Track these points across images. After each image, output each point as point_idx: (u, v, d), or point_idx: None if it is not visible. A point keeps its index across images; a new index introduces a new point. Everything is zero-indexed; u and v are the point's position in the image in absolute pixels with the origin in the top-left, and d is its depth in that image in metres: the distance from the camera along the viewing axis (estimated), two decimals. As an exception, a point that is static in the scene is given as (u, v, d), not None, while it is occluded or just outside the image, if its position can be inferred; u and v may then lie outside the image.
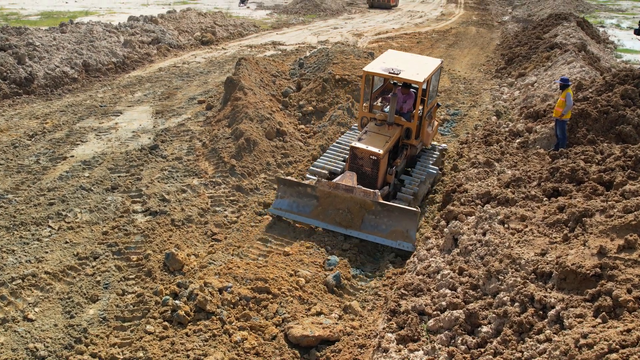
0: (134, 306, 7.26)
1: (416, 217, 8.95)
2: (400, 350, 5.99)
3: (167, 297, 7.20)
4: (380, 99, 11.67)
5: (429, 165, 11.19)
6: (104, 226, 9.06)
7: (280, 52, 23.01)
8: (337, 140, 11.87)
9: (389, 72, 10.27)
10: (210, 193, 10.41)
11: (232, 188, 10.62)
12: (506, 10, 42.25)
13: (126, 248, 8.53)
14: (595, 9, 42.62)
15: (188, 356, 6.33)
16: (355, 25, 31.89)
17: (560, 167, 8.83)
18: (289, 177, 10.39)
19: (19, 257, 8.03)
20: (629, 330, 4.58)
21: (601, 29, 31.18)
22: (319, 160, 10.99)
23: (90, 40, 19.52)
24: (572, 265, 5.71)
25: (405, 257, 8.77)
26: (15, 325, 6.78)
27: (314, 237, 9.14)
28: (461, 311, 6.14)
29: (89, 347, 6.54)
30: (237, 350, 6.50)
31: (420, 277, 7.32)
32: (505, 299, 5.97)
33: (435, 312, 6.43)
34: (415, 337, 6.14)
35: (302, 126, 13.93)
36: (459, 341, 5.83)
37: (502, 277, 6.27)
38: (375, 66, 10.62)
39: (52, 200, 9.64)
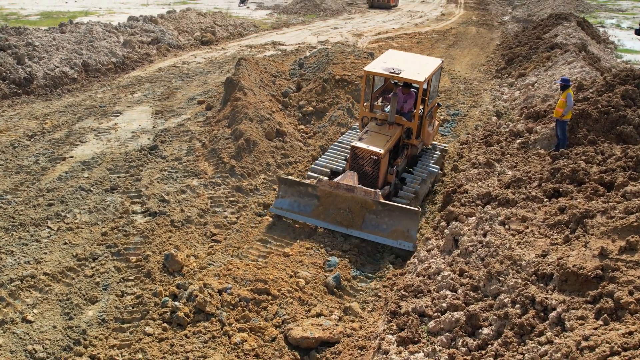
0: (133, 307, 7.23)
1: (417, 216, 8.93)
2: (400, 352, 5.96)
3: (167, 298, 7.17)
4: (381, 99, 11.67)
5: (430, 164, 11.19)
6: (103, 227, 9.03)
7: (280, 52, 22.98)
8: (339, 140, 11.87)
9: (390, 72, 10.27)
10: (210, 194, 10.38)
11: (232, 189, 10.59)
12: (506, 10, 42.23)
13: (125, 249, 8.50)
14: (595, 9, 42.60)
15: (187, 358, 6.31)
16: (355, 26, 31.87)
17: (561, 167, 8.80)
18: (290, 177, 10.37)
19: (18, 258, 8.00)
20: (630, 333, 4.55)
21: (601, 29, 31.15)
22: (320, 159, 10.99)
23: (89, 40, 19.50)
24: (573, 266, 5.68)
25: (406, 258, 8.75)
26: (14, 326, 6.75)
27: (313, 237, 9.11)
28: (462, 313, 6.11)
29: (88, 348, 6.51)
30: (237, 352, 6.47)
31: (421, 278, 7.29)
32: (506, 300, 5.94)
33: (435, 314, 6.39)
34: (416, 339, 6.11)
35: (302, 126, 13.90)
36: (460, 343, 5.80)
37: (503, 279, 6.24)
38: (376, 66, 10.63)
39: (51, 201, 9.62)
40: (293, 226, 9.48)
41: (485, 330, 5.80)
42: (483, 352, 5.56)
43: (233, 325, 6.84)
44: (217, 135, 12.42)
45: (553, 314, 5.43)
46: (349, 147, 10.27)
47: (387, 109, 10.82)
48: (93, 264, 8.08)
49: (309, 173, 10.49)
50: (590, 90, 12.57)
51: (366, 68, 10.62)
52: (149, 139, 12.77)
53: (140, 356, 6.31)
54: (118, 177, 10.75)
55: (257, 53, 22.80)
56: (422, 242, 8.70)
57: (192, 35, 25.05)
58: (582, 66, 16.21)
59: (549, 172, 8.97)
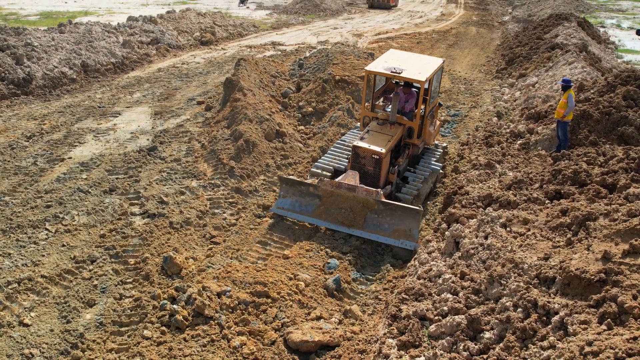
0: (131, 311, 7.16)
1: (419, 215, 8.89)
2: (401, 357, 5.89)
3: (165, 301, 7.11)
4: (382, 99, 11.64)
5: (432, 162, 11.15)
6: (102, 229, 8.96)
7: (279, 53, 22.91)
8: (341, 139, 11.84)
9: (391, 72, 10.25)
10: (209, 195, 10.32)
11: (231, 190, 10.52)
12: (506, 10, 42.16)
13: (124, 251, 8.43)
14: (596, 9, 42.53)
15: (186, 362, 6.24)
16: (355, 26, 31.80)
17: (563, 169, 8.74)
18: (291, 177, 10.32)
19: (15, 260, 7.93)
20: (635, 338, 4.48)
21: (602, 29, 31.10)
22: (323, 157, 10.96)
23: (89, 40, 19.43)
24: (576, 270, 5.62)
25: (406, 260, 8.69)
26: (11, 330, 6.68)
27: (313, 239, 9.05)
28: (463, 316, 6.04)
29: (86, 352, 6.44)
30: (236, 356, 6.41)
31: (422, 281, 7.22)
32: (508, 304, 5.88)
33: (436, 318, 6.33)
34: (417, 343, 6.05)
35: (302, 127, 13.84)
36: (461, 347, 5.74)
37: (505, 282, 6.17)
38: (377, 65, 10.61)
39: (49, 203, 9.55)
40: (293, 228, 9.42)
41: (487, 335, 5.74)
42: (485, 356, 5.50)
43: (232, 328, 6.78)
44: (217, 136, 12.36)
45: (556, 318, 5.37)
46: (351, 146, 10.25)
47: (389, 108, 10.79)
48: (91, 267, 8.02)
49: (313, 170, 10.48)
50: (592, 91, 12.51)
51: (367, 68, 10.59)
52: (148, 139, 12.70)
53: (138, 360, 6.25)
54: (117, 178, 10.68)
55: (256, 53, 22.74)
56: (423, 244, 8.63)
57: (191, 35, 24.98)
58: (583, 66, 16.15)
59: (550, 173, 8.91)
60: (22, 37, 17.43)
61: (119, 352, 6.46)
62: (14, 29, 17.88)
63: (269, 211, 9.80)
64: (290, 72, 17.69)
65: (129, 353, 6.40)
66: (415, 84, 10.74)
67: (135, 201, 9.86)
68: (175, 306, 6.93)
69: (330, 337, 6.71)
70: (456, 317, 6.07)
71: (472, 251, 7.17)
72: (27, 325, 6.78)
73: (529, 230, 7.13)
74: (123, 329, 6.87)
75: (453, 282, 6.76)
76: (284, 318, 7.02)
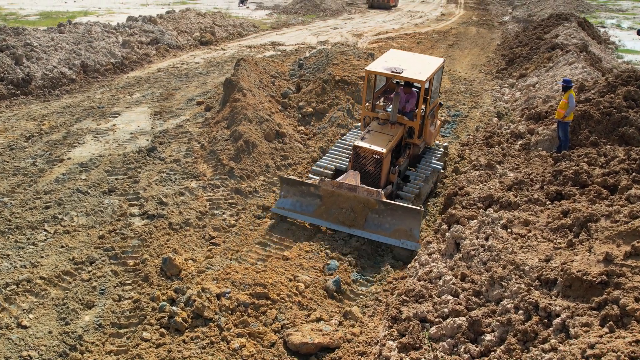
0: (130, 312, 7.13)
1: (420, 215, 8.86)
2: (401, 359, 5.86)
3: (164, 303, 7.07)
4: (382, 99, 11.62)
5: (433, 161, 11.14)
6: (101, 230, 8.93)
7: (279, 53, 22.87)
8: (342, 139, 11.82)
9: (392, 71, 10.23)
10: (209, 196, 10.28)
11: (231, 191, 10.49)
12: (506, 10, 42.14)
13: (123, 252, 8.39)
14: (596, 9, 42.51)
15: (185, 364, 6.21)
16: (355, 26, 31.76)
17: (563, 170, 8.70)
18: (292, 176, 10.30)
19: (14, 261, 7.90)
20: (637, 341, 4.45)
21: (602, 30, 31.07)
22: (324, 157, 10.95)
23: (88, 40, 19.39)
24: (577, 272, 5.58)
25: (406, 261, 8.66)
26: (9, 332, 6.64)
27: (313, 240, 9.01)
28: (464, 318, 6.01)
29: (84, 354, 6.41)
30: (235, 358, 6.38)
31: (422, 282, 7.19)
32: (509, 306, 5.85)
33: (437, 319, 6.30)
34: (417, 345, 6.01)
35: (302, 128, 13.81)
36: (462, 350, 5.70)
37: (506, 284, 6.14)
38: (378, 65, 10.59)
39: (48, 204, 9.51)
40: (292, 229, 9.38)
41: (488, 337, 5.70)
42: (486, 359, 5.47)
43: (232, 330, 6.74)
44: (216, 137, 12.32)
45: (557, 320, 5.33)
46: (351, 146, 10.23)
47: (389, 108, 10.77)
48: (90, 268, 7.98)
49: (314, 168, 10.45)
50: (592, 91, 12.48)
51: (368, 67, 10.58)
52: (147, 140, 12.67)
53: (137, 362, 6.21)
54: (116, 179, 10.65)
55: (256, 53, 22.70)
56: (424, 245, 8.60)
57: (191, 35, 24.95)
58: (583, 67, 16.12)
59: (551, 174, 8.88)
60: (21, 37, 17.40)
61: (117, 354, 6.43)
62: (13, 29, 17.84)
63: (270, 211, 9.77)
64: (290, 72, 17.66)
65: (128, 355, 6.36)
66: (415, 84, 10.72)
67: (135, 202, 9.83)
68: (174, 308, 6.89)
69: (330, 339, 6.67)
70: (457, 319, 6.04)
71: (472, 252, 7.13)
72: (25, 327, 6.74)
73: (529, 231, 7.10)
74: (122, 330, 6.84)
75: (454, 283, 6.73)
76: (283, 320, 6.99)
